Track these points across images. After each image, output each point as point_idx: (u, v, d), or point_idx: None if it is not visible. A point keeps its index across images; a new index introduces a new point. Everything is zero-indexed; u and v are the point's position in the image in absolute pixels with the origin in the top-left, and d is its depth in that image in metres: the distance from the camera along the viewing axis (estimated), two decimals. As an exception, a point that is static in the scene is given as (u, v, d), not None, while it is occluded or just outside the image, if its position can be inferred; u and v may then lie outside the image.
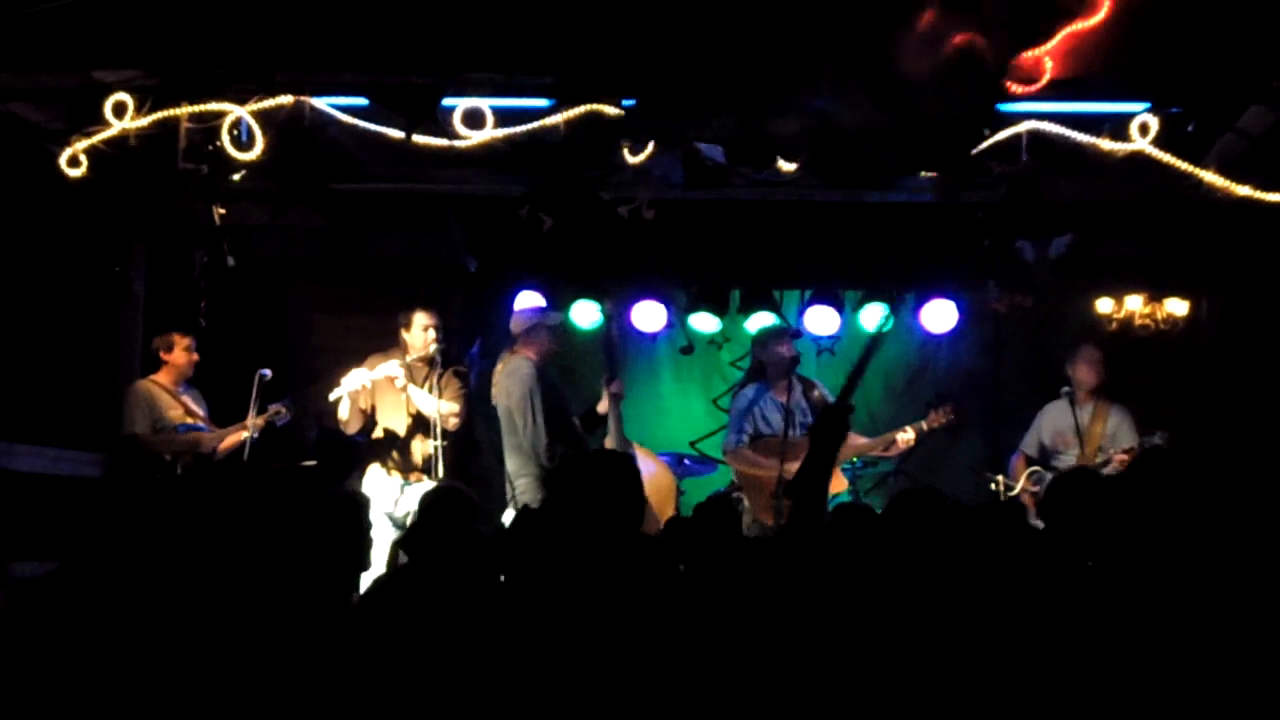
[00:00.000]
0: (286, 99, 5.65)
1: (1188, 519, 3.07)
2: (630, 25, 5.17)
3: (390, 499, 6.61)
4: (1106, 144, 5.61)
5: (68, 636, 2.91)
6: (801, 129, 5.09)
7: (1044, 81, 5.19)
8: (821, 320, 7.92)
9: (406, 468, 6.70)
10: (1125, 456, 6.79)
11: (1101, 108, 5.71)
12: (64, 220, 6.58)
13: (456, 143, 5.64)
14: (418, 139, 5.64)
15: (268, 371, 6.74)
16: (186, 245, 6.85)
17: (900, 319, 7.97)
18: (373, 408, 6.72)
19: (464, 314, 8.16)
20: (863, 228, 7.26)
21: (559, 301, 7.51)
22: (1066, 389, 7.20)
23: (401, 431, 6.69)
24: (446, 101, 5.59)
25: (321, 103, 5.71)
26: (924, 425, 7.02)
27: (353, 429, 6.71)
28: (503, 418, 6.59)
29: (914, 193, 6.64)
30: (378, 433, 6.73)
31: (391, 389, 6.65)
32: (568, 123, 5.62)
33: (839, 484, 7.07)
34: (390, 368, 6.65)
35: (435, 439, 6.56)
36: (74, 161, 5.80)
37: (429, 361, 6.74)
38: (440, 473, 6.50)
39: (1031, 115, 5.56)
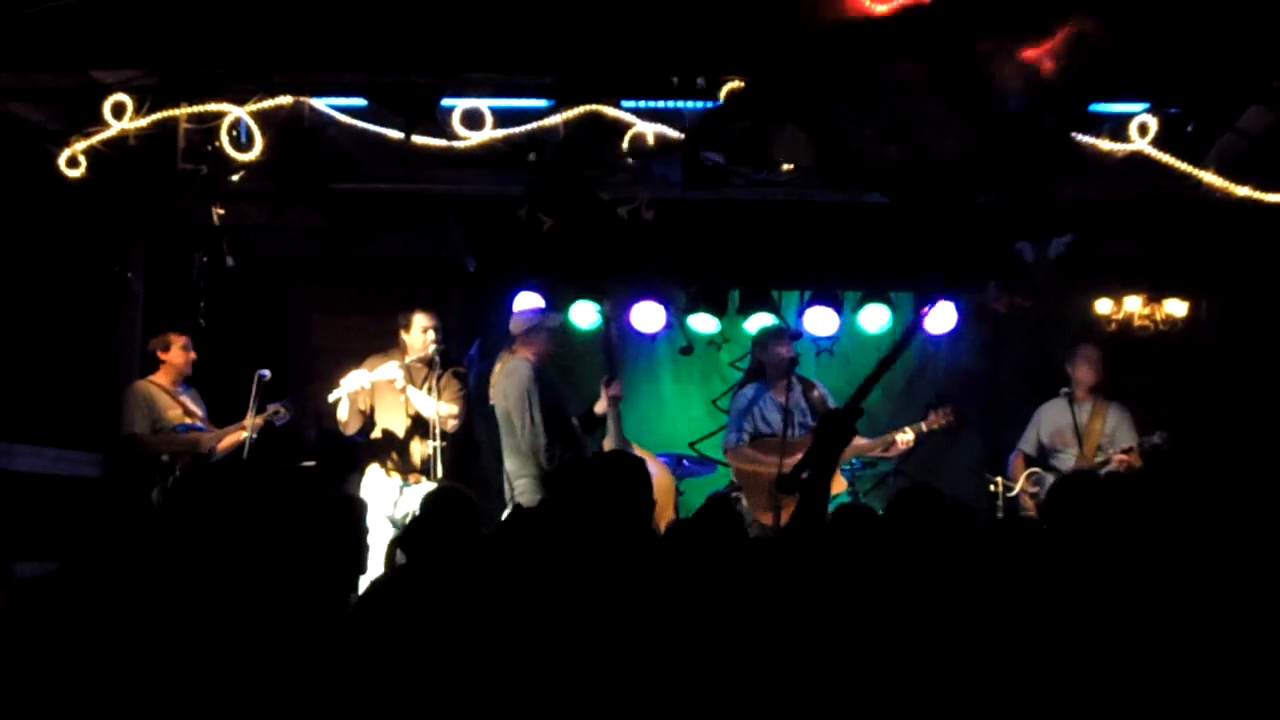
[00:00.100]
0: (286, 99, 5.65)
1: (1189, 520, 3.07)
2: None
3: (389, 500, 6.60)
4: (1106, 144, 5.61)
5: (67, 636, 2.91)
6: (900, 154, 5.04)
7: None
8: (820, 321, 7.92)
9: (405, 469, 6.70)
10: (1125, 456, 6.80)
11: (1101, 108, 5.71)
12: (63, 221, 6.58)
13: (456, 143, 5.64)
14: (417, 139, 5.64)
15: (267, 372, 6.74)
16: (186, 245, 6.85)
17: (899, 320, 7.97)
18: (371, 409, 6.71)
19: (463, 314, 8.16)
20: (862, 228, 7.25)
21: (558, 302, 7.51)
22: (1065, 389, 7.20)
23: (400, 433, 6.69)
24: (445, 102, 5.59)
25: (321, 103, 5.71)
26: (923, 426, 7.01)
27: (351, 430, 6.71)
28: (500, 419, 6.59)
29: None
30: (376, 434, 6.73)
31: (390, 390, 6.65)
32: (567, 123, 5.62)
33: (839, 484, 7.06)
34: (389, 369, 6.64)
35: (434, 440, 6.56)
36: (73, 162, 5.79)
37: (428, 363, 6.73)
38: (439, 474, 6.49)
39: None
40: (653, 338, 8.24)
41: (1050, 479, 6.98)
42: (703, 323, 8.10)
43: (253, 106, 5.64)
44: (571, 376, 7.52)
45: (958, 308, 7.76)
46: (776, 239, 7.52)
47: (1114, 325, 7.80)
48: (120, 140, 5.75)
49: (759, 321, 7.82)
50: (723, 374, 8.44)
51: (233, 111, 5.65)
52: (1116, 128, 5.64)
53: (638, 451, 6.74)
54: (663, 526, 5.39)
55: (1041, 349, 7.92)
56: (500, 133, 5.63)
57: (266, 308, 8.19)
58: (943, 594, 3.21)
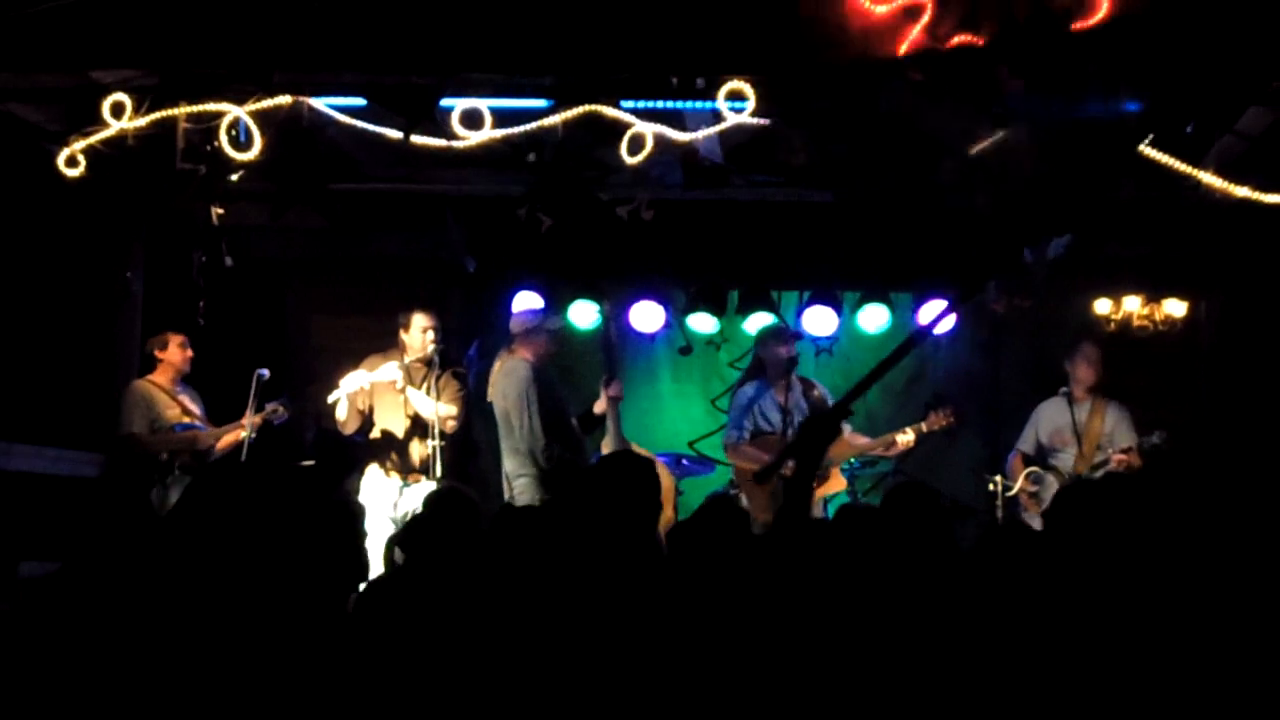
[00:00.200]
0: (285, 99, 5.65)
1: (1188, 520, 3.07)
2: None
3: (389, 500, 6.60)
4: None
5: (67, 636, 2.90)
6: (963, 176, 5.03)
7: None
8: (819, 321, 7.92)
9: (405, 469, 6.69)
10: (1123, 456, 6.79)
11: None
12: (62, 220, 6.58)
13: (455, 143, 5.64)
14: (416, 139, 5.64)
15: (266, 372, 6.74)
16: (185, 245, 6.85)
17: (898, 320, 7.97)
18: (371, 409, 6.71)
19: (463, 314, 8.16)
20: (862, 228, 7.25)
21: (558, 302, 7.51)
22: (1064, 389, 7.20)
23: (400, 433, 6.69)
24: (445, 102, 5.58)
25: (320, 103, 5.71)
26: (923, 427, 7.02)
27: (350, 430, 6.71)
28: (499, 418, 6.59)
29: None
30: (376, 434, 6.72)
31: (390, 390, 6.64)
32: (566, 123, 5.62)
33: (838, 484, 7.08)
34: (389, 369, 6.64)
35: (433, 440, 6.56)
36: (72, 162, 5.79)
37: (427, 363, 6.73)
38: (438, 474, 6.49)
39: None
40: (652, 338, 8.24)
41: (1049, 478, 6.99)
42: (702, 323, 8.10)
43: (252, 106, 5.64)
44: (571, 376, 7.51)
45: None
46: (776, 239, 7.52)
47: (1113, 325, 7.80)
48: (119, 140, 5.74)
49: (758, 321, 7.83)
50: (722, 374, 8.44)
51: (232, 111, 5.65)
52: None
53: (637, 451, 6.75)
54: (661, 527, 5.39)
55: (1041, 349, 7.91)
56: (500, 133, 5.63)
57: (266, 308, 8.19)
58: (943, 594, 3.21)
